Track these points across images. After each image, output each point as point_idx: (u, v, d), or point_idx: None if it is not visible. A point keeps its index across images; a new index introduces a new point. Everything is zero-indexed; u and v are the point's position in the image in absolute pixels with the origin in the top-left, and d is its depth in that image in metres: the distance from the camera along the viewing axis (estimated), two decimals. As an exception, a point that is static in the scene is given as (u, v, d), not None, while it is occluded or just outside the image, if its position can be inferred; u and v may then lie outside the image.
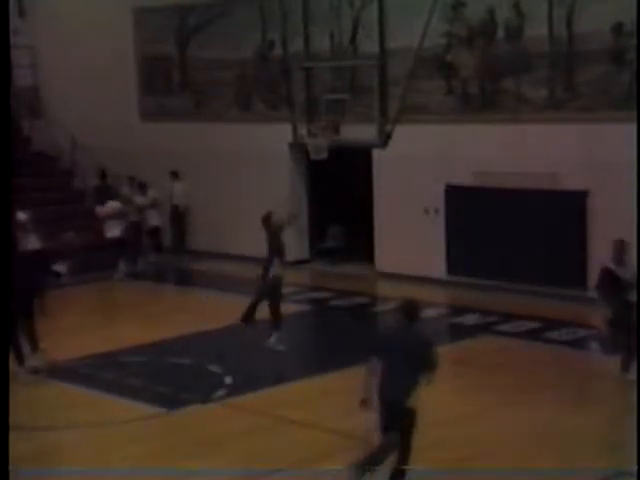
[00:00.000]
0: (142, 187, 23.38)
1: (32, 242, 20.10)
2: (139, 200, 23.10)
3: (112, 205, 22.30)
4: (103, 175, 24.77)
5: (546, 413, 12.60)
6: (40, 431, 12.49)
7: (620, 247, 13.75)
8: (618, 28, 17.20)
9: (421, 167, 19.86)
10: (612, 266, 13.69)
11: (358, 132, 18.22)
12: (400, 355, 9.88)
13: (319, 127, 18.72)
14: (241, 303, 19.28)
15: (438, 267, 19.78)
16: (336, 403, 13.21)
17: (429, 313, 17.88)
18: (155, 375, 14.66)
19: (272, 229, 16.01)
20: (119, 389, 14.02)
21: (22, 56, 25.09)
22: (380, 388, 9.96)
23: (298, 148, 20.97)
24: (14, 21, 22.65)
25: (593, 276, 17.77)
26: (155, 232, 23.59)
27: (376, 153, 20.12)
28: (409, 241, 20.26)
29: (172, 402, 13.39)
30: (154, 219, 23.52)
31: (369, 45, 20.13)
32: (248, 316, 16.21)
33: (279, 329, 15.93)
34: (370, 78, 19.24)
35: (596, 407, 12.91)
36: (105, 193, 24.57)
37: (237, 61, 22.89)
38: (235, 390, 13.81)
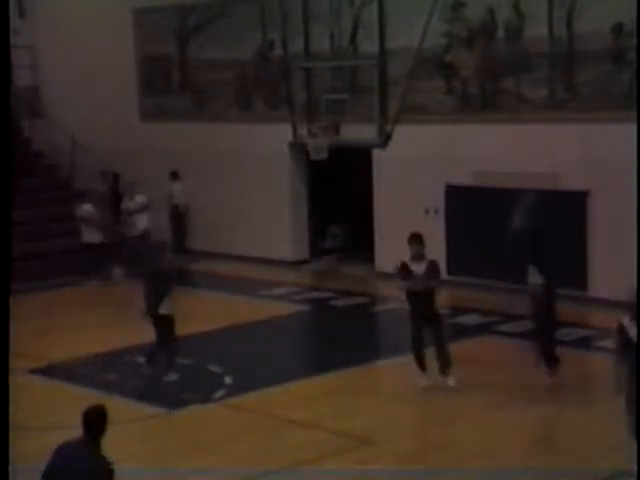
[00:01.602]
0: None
1: (93, 236, 21.79)
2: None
3: (139, 199, 22.58)
4: (115, 177, 24.68)
5: (546, 413, 12.60)
6: (40, 431, 12.50)
7: None
8: (618, 28, 17.19)
9: (421, 167, 19.86)
10: None
11: (358, 132, 18.23)
12: None
13: (319, 127, 18.73)
14: (240, 303, 19.37)
15: (438, 267, 19.75)
16: (336, 403, 13.22)
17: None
18: (155, 375, 14.65)
19: None
20: (119, 389, 14.03)
21: (22, 56, 25.08)
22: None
23: (298, 148, 20.97)
24: (14, 21, 22.62)
25: (593, 276, 17.83)
26: None
27: (376, 153, 20.12)
28: (409, 241, 20.22)
29: (172, 402, 13.40)
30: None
31: (369, 45, 20.14)
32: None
33: None
34: (370, 78, 19.26)
35: (596, 407, 12.90)
36: (118, 195, 24.58)
37: (237, 61, 22.88)
38: (235, 390, 13.81)
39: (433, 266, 13.79)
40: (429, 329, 13.60)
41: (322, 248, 22.98)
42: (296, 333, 18.22)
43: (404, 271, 13.69)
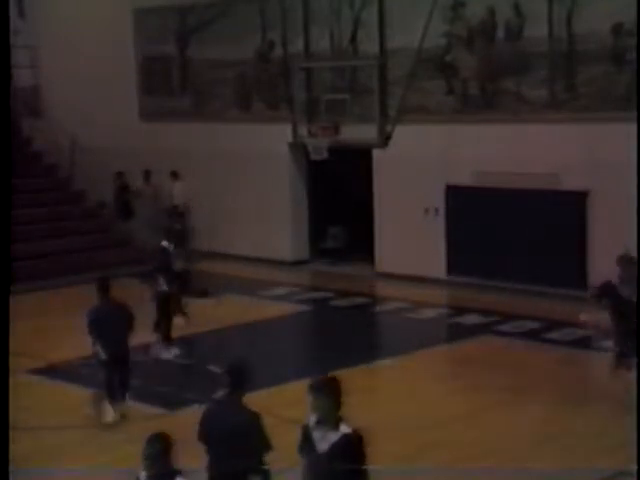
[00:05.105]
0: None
1: None
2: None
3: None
4: (147, 175, 24.58)
5: (546, 413, 12.60)
6: (40, 431, 12.50)
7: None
8: (618, 28, 17.20)
9: (421, 167, 19.87)
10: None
11: (358, 132, 18.24)
12: None
13: (319, 127, 18.74)
14: (241, 303, 19.37)
15: (438, 267, 19.77)
16: (336, 403, 13.19)
17: (429, 313, 17.92)
18: (155, 375, 14.64)
19: None
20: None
21: (22, 56, 25.10)
22: None
23: (298, 148, 20.98)
24: (14, 21, 22.66)
25: (593, 276, 17.82)
26: None
27: (376, 153, 20.12)
28: (409, 241, 20.27)
29: (172, 402, 13.39)
30: None
31: (369, 45, 20.16)
32: None
33: None
34: (370, 78, 19.27)
35: (596, 407, 12.91)
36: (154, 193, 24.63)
37: (237, 61, 22.88)
38: (235, 390, 13.77)
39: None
40: None
41: (322, 248, 22.98)
42: (296, 333, 18.22)
43: None
